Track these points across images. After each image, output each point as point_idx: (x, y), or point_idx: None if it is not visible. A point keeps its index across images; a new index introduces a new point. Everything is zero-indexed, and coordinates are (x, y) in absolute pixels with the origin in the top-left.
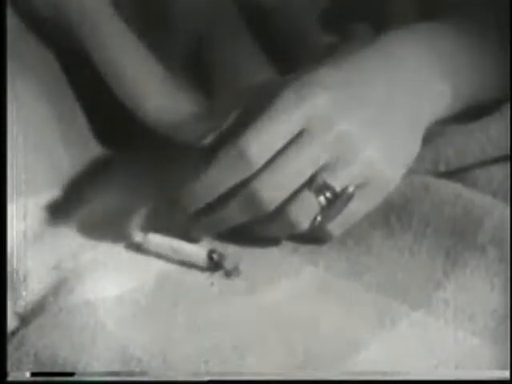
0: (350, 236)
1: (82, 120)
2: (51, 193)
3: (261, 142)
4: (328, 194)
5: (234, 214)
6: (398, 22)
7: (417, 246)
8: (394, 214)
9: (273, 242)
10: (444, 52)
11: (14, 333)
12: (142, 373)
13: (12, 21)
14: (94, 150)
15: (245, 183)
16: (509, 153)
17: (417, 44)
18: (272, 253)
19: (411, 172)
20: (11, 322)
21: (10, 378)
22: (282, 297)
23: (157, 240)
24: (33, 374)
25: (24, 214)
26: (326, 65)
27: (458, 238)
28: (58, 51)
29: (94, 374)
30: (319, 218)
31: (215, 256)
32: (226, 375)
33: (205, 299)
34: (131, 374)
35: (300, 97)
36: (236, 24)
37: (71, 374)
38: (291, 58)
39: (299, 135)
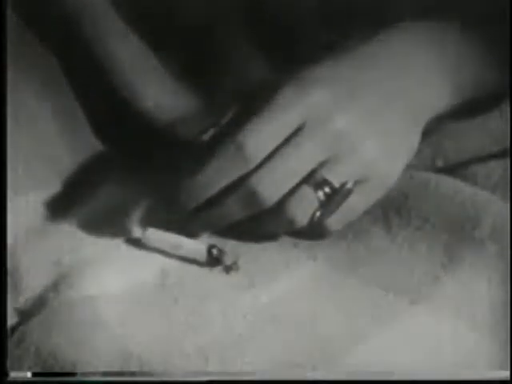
0: (349, 231)
1: (81, 116)
2: (51, 189)
3: (259, 137)
4: (327, 190)
5: (233, 209)
6: (398, 21)
7: (415, 241)
8: (393, 209)
9: (272, 237)
10: (443, 48)
11: (14, 329)
12: (142, 373)
13: (12, 19)
14: (94, 146)
15: (244, 179)
16: (508, 148)
17: (416, 40)
18: (271, 248)
19: (410, 167)
20: (11, 318)
21: (10, 378)
22: (281, 292)
23: (156, 235)
24: (33, 374)
25: (24, 210)
26: (325, 61)
27: (456, 233)
28: (58, 48)
29: (94, 374)
30: (318, 214)
31: (214, 251)
32: (225, 375)
33: (204, 295)
34: (131, 373)
35: (299, 93)
36: (236, 23)
37: (71, 374)
38: (291, 57)
39: (298, 131)
